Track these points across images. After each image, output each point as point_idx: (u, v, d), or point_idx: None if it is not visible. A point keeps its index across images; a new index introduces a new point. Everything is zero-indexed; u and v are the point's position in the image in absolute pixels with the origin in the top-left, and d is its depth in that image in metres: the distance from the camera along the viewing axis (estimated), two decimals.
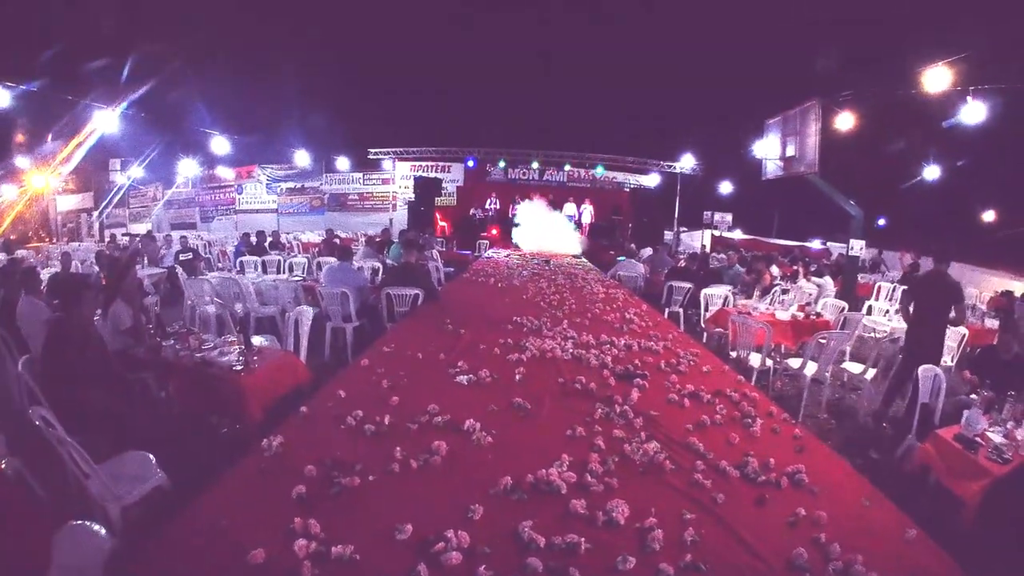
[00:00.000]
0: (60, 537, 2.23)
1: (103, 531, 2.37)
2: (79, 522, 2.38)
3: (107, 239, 14.54)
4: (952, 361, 6.52)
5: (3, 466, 2.61)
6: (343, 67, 18.84)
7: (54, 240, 15.77)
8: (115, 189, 17.31)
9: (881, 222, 19.65)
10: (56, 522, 2.30)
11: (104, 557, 2.20)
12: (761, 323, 6.10)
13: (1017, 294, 11.18)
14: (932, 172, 14.42)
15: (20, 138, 14.32)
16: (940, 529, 2.51)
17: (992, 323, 7.72)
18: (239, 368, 4.02)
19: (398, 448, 2.82)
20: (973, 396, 4.45)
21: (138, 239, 13.19)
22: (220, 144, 14.82)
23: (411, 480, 2.63)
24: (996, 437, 3.58)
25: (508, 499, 2.50)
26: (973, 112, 8.82)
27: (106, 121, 12.27)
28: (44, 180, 15.27)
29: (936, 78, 8.47)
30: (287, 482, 2.44)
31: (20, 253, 10.98)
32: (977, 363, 5.21)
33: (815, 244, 19.01)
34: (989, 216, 17.67)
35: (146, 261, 10.78)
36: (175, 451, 3.33)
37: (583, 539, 2.18)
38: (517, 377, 4.18)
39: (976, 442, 3.55)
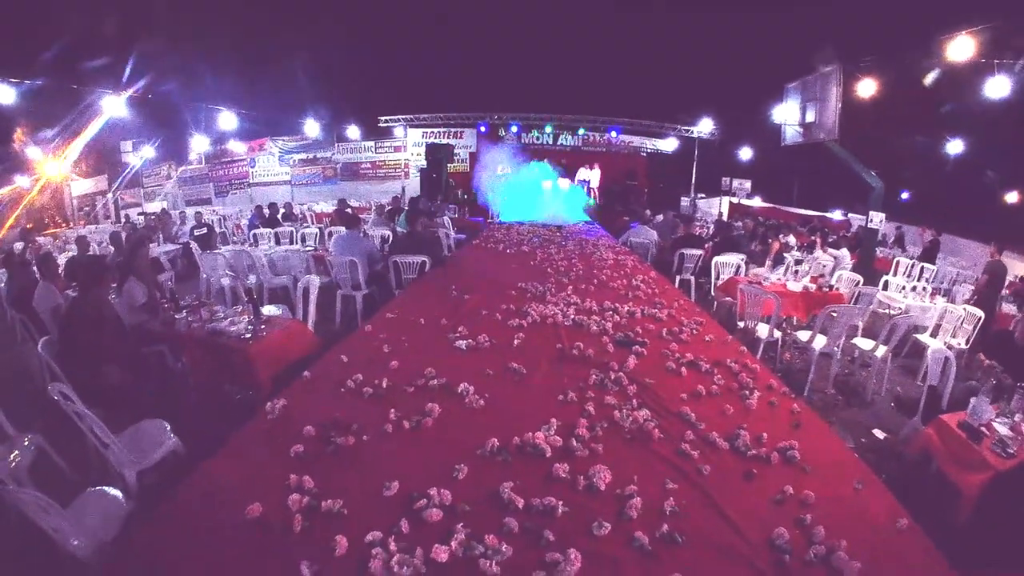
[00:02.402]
0: (80, 502, 2.46)
1: (120, 495, 2.57)
2: (97, 488, 2.59)
3: (123, 220, 14.70)
4: (967, 344, 6.38)
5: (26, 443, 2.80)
6: (349, 33, 18.39)
7: (71, 225, 15.91)
8: (127, 170, 17.37)
9: (905, 196, 19.11)
10: (77, 489, 2.51)
11: (120, 518, 2.41)
12: (770, 293, 5.98)
13: None
14: (955, 147, 13.96)
15: (27, 129, 14.33)
16: (936, 520, 2.45)
17: (1010, 308, 7.51)
18: (248, 337, 4.17)
19: (392, 410, 2.90)
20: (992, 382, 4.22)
21: (153, 217, 13.41)
22: (228, 119, 14.86)
23: (403, 440, 2.72)
24: (1002, 429, 3.43)
25: (493, 460, 2.56)
26: (997, 86, 8.47)
27: (113, 105, 12.37)
28: (56, 167, 15.33)
29: (960, 48, 8.11)
30: (287, 442, 2.54)
31: (38, 241, 11.12)
32: (990, 346, 5.04)
33: (836, 215, 18.60)
34: (1012, 197, 17.04)
35: (161, 238, 11.02)
36: (189, 419, 3.48)
37: (561, 502, 2.21)
38: (515, 342, 4.18)
39: (981, 432, 3.40)
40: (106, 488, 2.64)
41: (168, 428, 3.28)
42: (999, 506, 3.08)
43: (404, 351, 3.92)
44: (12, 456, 2.96)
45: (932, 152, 14.91)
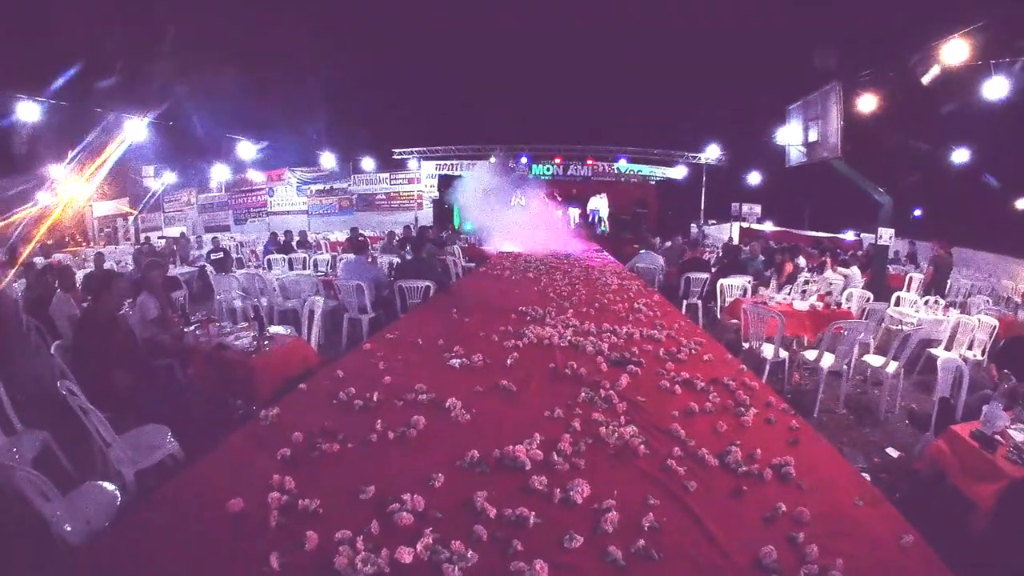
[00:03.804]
0: (77, 493, 2.61)
1: (115, 490, 2.69)
2: (95, 482, 2.74)
3: (143, 241, 15.08)
4: (983, 355, 6.20)
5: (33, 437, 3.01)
6: (365, 67, 18.95)
7: (91, 244, 16.29)
8: (149, 194, 17.81)
9: (917, 213, 18.90)
10: (76, 482, 2.67)
11: (113, 510, 2.54)
12: (774, 312, 5.88)
13: None
14: (961, 156, 13.82)
15: (51, 150, 14.80)
16: (950, 536, 2.33)
17: None
18: (251, 351, 4.40)
19: (379, 421, 2.96)
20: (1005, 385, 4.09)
21: (171, 240, 13.84)
22: (246, 149, 15.34)
23: (386, 449, 2.78)
24: (1018, 435, 3.25)
25: (471, 471, 2.56)
26: (995, 87, 8.41)
27: (135, 129, 12.88)
28: (79, 188, 15.75)
29: (954, 51, 8.08)
30: (275, 446, 2.63)
31: (57, 257, 11.48)
32: (1003, 354, 4.88)
33: (848, 236, 18.43)
34: (1022, 204, 16.69)
35: (179, 260, 11.45)
36: (192, 427, 3.61)
37: (533, 513, 2.18)
38: (509, 361, 4.16)
39: (995, 440, 3.22)
40: (104, 483, 2.77)
41: (169, 434, 3.43)
42: (1017, 515, 2.89)
43: (398, 368, 3.97)
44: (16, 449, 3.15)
45: (938, 163, 14.78)
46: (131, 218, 17.72)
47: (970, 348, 6.40)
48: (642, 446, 2.78)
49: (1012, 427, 3.35)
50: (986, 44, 7.99)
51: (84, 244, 16.26)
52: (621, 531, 2.12)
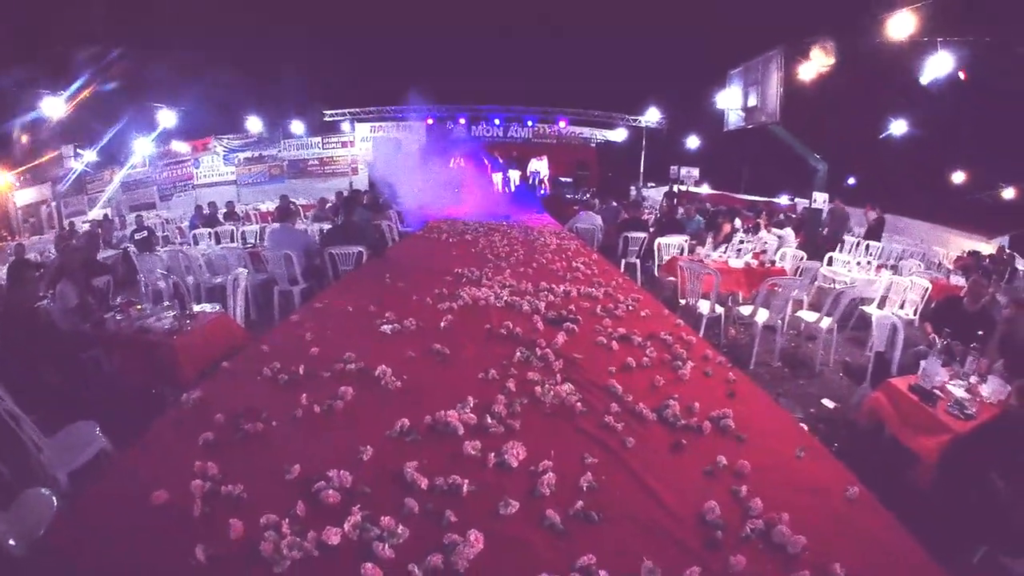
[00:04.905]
0: (16, 504, 2.54)
1: (52, 495, 2.62)
2: (32, 489, 2.66)
3: (67, 227, 14.15)
4: (915, 314, 6.43)
5: None
6: (291, 25, 17.73)
7: (15, 237, 15.09)
8: (65, 177, 16.56)
9: (851, 181, 19.54)
10: (13, 493, 2.60)
11: (50, 516, 2.42)
12: (709, 269, 5.91)
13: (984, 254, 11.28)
14: (899, 127, 14.27)
15: None
16: (889, 487, 2.32)
17: (957, 280, 7.64)
18: (173, 332, 4.24)
19: (304, 395, 2.76)
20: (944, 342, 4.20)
21: (95, 223, 13.07)
22: (168, 117, 14.48)
23: (312, 425, 2.61)
24: (958, 391, 3.37)
25: (401, 441, 2.42)
26: (940, 63, 8.62)
27: (53, 107, 12.18)
28: (0, 178, 14.55)
29: (900, 25, 8.21)
30: (198, 431, 2.46)
31: None
32: (937, 313, 5.05)
33: (783, 200, 18.94)
34: (959, 177, 17.48)
35: (102, 244, 10.62)
36: (120, 418, 3.42)
37: (467, 481, 2.06)
38: (443, 324, 3.97)
39: (935, 394, 3.35)
40: (41, 489, 2.68)
41: (97, 429, 3.31)
42: (961, 468, 2.99)
43: (326, 338, 3.70)
44: None
45: (875, 134, 15.23)
46: (52, 204, 16.45)
47: (902, 307, 6.63)
48: (579, 404, 2.69)
49: (950, 383, 3.45)
50: (932, 19, 8.13)
51: (9, 237, 15.02)
52: (559, 493, 2.03)
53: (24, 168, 15.00)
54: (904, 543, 1.85)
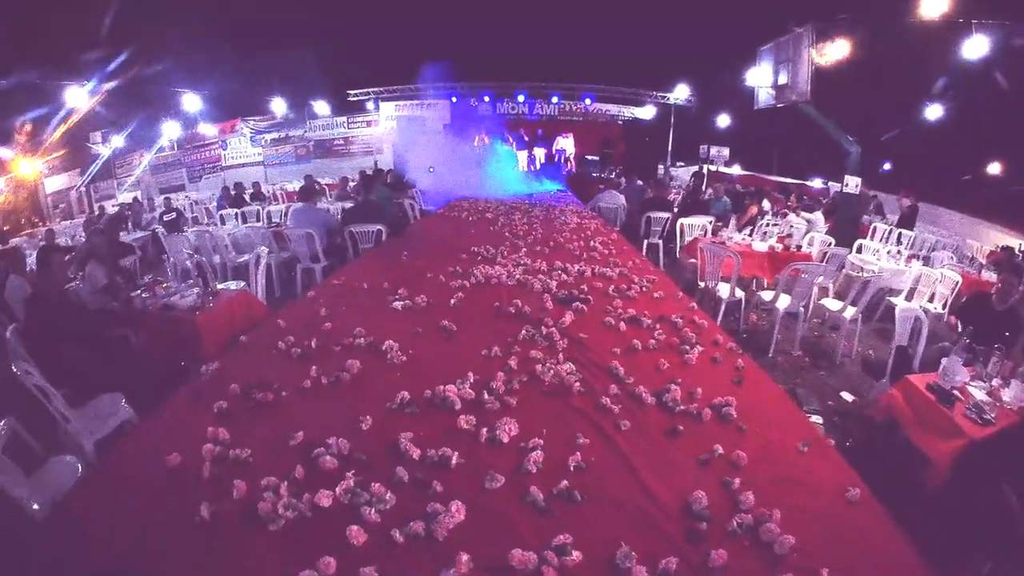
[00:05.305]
0: (42, 471, 2.68)
1: (76, 463, 2.77)
2: (57, 457, 2.82)
3: (96, 211, 14.56)
4: (944, 308, 6.21)
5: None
6: (313, 4, 17.67)
7: (46, 223, 15.55)
8: (94, 162, 16.91)
9: (887, 167, 18.90)
10: (40, 462, 2.75)
11: (74, 480, 2.58)
12: (730, 251, 5.79)
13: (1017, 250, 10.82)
14: (934, 112, 13.71)
15: None
16: (900, 488, 2.26)
17: (989, 275, 7.37)
18: (196, 308, 4.38)
19: (314, 367, 2.86)
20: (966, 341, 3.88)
21: (124, 206, 13.41)
22: (192, 101, 14.72)
23: (319, 395, 2.71)
24: (978, 393, 3.14)
25: (400, 413, 2.50)
26: (976, 47, 8.24)
27: (78, 97, 12.47)
28: (29, 166, 14.92)
29: (934, 4, 7.87)
30: (213, 400, 2.58)
31: (13, 241, 10.99)
32: (965, 309, 4.84)
33: (816, 183, 18.44)
34: (995, 168, 16.50)
35: (131, 226, 11.07)
36: (145, 391, 3.53)
37: (456, 453, 2.12)
38: (452, 302, 4.01)
39: (953, 395, 3.10)
40: (67, 456, 2.82)
41: (123, 400, 3.44)
42: (976, 476, 2.82)
43: (340, 313, 3.81)
44: None
45: (910, 118, 14.66)
46: (82, 190, 16.86)
47: (931, 300, 6.41)
48: (577, 383, 2.69)
49: (971, 384, 3.24)
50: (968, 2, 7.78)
51: (40, 223, 15.47)
52: (546, 471, 2.05)
53: (53, 156, 15.38)
54: (904, 555, 1.75)
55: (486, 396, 2.54)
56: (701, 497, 1.90)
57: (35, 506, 2.32)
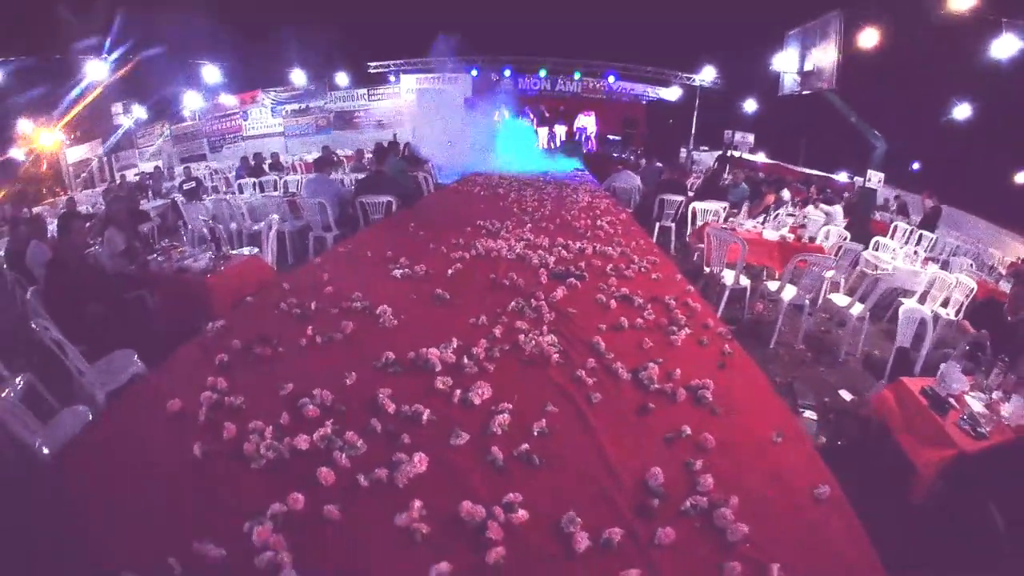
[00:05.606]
0: (55, 420, 2.86)
1: (88, 412, 2.96)
2: (70, 407, 3.00)
3: (118, 180, 14.90)
4: (957, 314, 6.01)
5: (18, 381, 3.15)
6: None
7: (67, 192, 15.86)
8: (114, 132, 17.15)
9: (916, 166, 18.45)
10: (56, 412, 2.95)
11: (84, 427, 2.72)
12: (737, 238, 5.77)
13: None
14: (963, 111, 13.29)
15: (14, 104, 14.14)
16: (886, 494, 2.26)
17: (1007, 287, 7.21)
18: (208, 271, 4.62)
19: (311, 327, 3.04)
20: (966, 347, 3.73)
21: (145, 175, 13.96)
22: (212, 73, 15.10)
23: (313, 352, 2.89)
24: (976, 404, 2.96)
25: (384, 372, 2.64)
26: (1005, 46, 8.00)
27: (98, 70, 12.93)
28: (50, 137, 15.19)
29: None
30: (216, 354, 2.74)
31: (36, 209, 11.37)
32: (975, 315, 4.76)
33: (842, 176, 18.09)
34: (1022, 178, 15.80)
35: (151, 194, 11.63)
36: (157, 348, 3.64)
37: (428, 411, 2.25)
38: (450, 272, 4.15)
39: (948, 403, 2.93)
40: (79, 407, 3.01)
41: (135, 356, 3.66)
42: (961, 491, 2.71)
43: (342, 279, 3.95)
44: (5, 393, 3.22)
45: (937, 116, 14.22)
46: (103, 159, 17.13)
47: (944, 305, 6.31)
48: (557, 355, 2.76)
49: (970, 394, 3.06)
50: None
51: (61, 192, 15.80)
52: (511, 434, 2.14)
53: (75, 128, 15.66)
54: (865, 557, 1.69)
55: (466, 361, 2.64)
56: (657, 473, 1.91)
57: (46, 451, 2.51)
